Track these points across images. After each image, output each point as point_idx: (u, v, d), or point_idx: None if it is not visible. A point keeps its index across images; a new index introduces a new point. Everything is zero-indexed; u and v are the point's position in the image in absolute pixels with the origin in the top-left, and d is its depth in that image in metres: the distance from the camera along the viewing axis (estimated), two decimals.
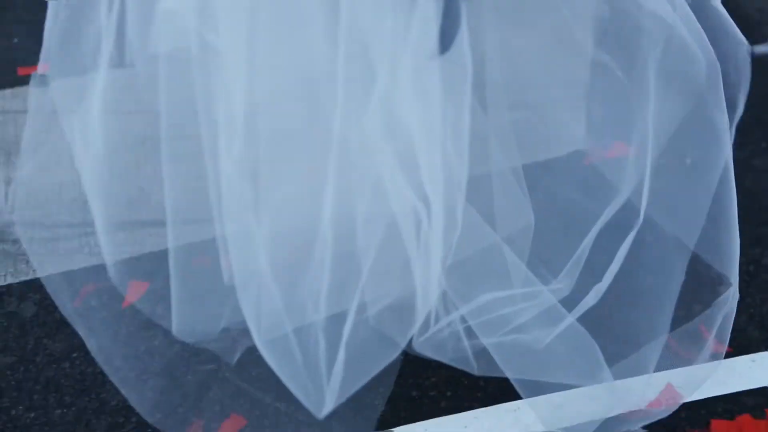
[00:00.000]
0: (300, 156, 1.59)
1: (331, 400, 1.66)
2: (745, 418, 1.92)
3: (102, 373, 2.07)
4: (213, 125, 1.55)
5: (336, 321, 1.67)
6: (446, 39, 1.48)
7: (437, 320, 1.75)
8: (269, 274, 1.62)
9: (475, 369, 1.82)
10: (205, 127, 1.56)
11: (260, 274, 1.62)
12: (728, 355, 2.00)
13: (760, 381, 1.95)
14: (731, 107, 1.69)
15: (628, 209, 1.71)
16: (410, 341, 1.79)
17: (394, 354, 1.74)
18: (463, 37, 1.48)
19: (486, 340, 1.76)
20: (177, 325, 1.79)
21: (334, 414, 1.71)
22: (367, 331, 1.71)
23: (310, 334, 1.69)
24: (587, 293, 1.73)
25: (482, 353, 1.80)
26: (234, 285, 1.67)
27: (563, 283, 1.75)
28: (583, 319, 1.74)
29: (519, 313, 1.75)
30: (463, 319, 1.76)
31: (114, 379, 1.93)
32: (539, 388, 1.81)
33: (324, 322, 1.66)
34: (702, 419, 1.93)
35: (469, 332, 1.77)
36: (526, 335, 1.75)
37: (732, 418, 1.92)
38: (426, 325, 1.75)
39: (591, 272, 1.74)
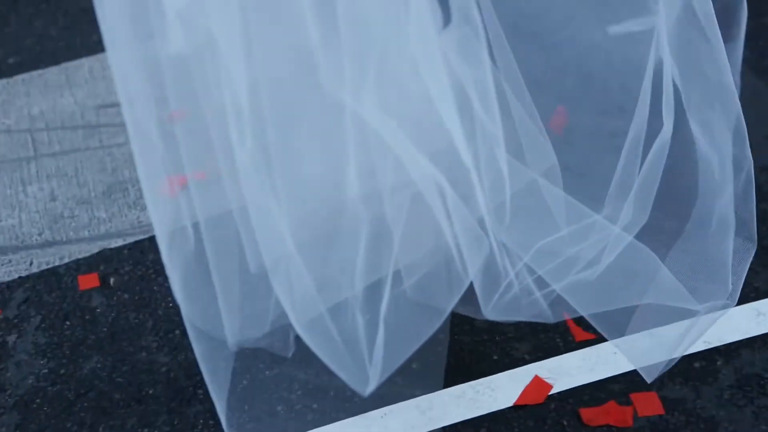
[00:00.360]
0: (311, 133, 1.59)
1: (374, 378, 1.64)
2: (611, 405, 1.91)
3: None
4: (220, 117, 1.55)
5: (373, 297, 1.66)
6: (445, 12, 1.53)
7: (506, 276, 1.71)
8: (296, 255, 1.60)
9: (551, 318, 1.77)
10: (213, 120, 1.57)
11: (288, 256, 1.61)
12: (593, 342, 2.01)
13: (625, 366, 1.95)
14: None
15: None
16: (477, 310, 1.75)
17: (438, 323, 1.71)
18: (471, 1, 1.52)
19: (558, 285, 1.73)
20: (231, 337, 1.73)
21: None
22: (406, 304, 1.69)
23: (347, 312, 1.67)
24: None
25: (554, 300, 1.76)
26: (261, 274, 1.65)
27: (612, 207, 1.72)
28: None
29: (586, 250, 1.72)
30: (531, 271, 1.73)
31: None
32: (616, 323, 1.77)
33: (361, 299, 1.65)
34: (570, 408, 1.92)
35: (539, 282, 1.74)
36: (593, 269, 1.72)
37: (599, 405, 1.92)
38: (490, 291, 1.72)
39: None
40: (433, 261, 1.72)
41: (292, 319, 1.65)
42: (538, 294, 1.74)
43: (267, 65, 1.53)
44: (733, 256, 1.72)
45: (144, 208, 2.42)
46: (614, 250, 1.70)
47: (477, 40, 1.56)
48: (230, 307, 1.71)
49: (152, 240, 2.34)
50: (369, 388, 1.66)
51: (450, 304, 1.72)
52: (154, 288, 2.24)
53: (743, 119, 1.70)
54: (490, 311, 1.74)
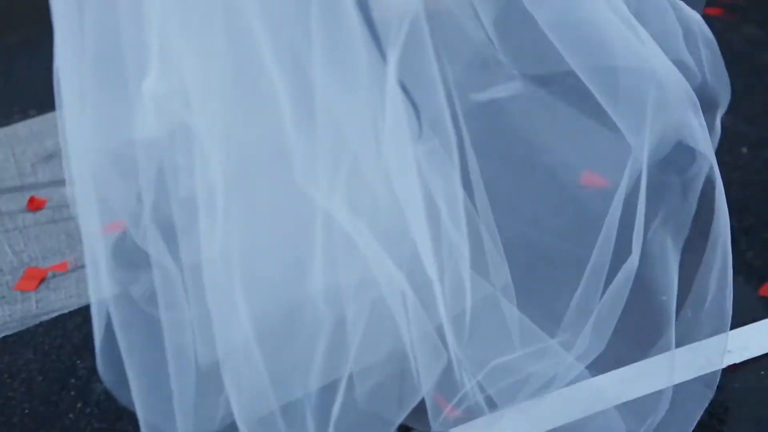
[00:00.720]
0: (280, 227, 1.60)
1: None
2: None
3: None
4: (188, 204, 1.55)
5: (325, 400, 1.65)
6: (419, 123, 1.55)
7: (461, 388, 1.71)
8: (255, 346, 1.59)
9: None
10: (177, 208, 1.56)
11: (244, 348, 1.60)
12: (462, 420, 1.94)
13: None
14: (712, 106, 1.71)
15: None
16: (426, 424, 1.74)
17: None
18: (446, 116, 1.55)
19: (506, 406, 1.75)
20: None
21: None
22: (357, 411, 1.68)
23: (296, 413, 1.65)
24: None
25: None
26: (211, 369, 1.63)
27: (569, 332, 1.72)
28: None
29: (539, 374, 1.73)
30: (482, 388, 1.73)
31: None
32: None
33: (313, 401, 1.65)
34: None
35: (488, 401, 1.74)
36: (542, 395, 1.75)
37: None
38: (438, 406, 1.72)
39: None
40: (388, 370, 1.72)
41: (239, 418, 1.63)
42: (487, 412, 1.75)
43: (243, 158, 1.54)
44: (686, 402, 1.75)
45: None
46: (565, 379, 1.73)
47: (449, 154, 1.58)
48: (184, 400, 1.67)
49: (5, 340, 2.23)
50: None
51: (399, 417, 1.72)
52: (9, 394, 2.11)
53: (730, 263, 1.70)
54: (440, 425, 1.74)
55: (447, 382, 1.71)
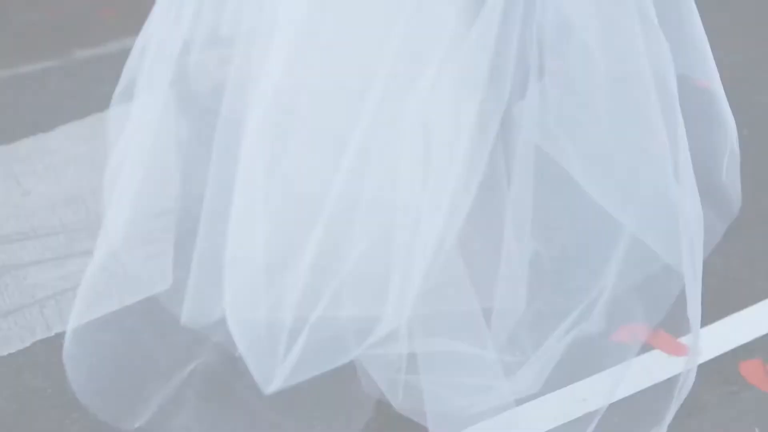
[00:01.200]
0: (324, 134, 1.61)
1: (279, 380, 1.62)
2: None
3: None
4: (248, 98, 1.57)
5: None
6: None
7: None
8: (262, 253, 1.61)
9: (399, 399, 1.78)
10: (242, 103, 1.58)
11: (252, 251, 1.61)
12: None
13: None
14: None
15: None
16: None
17: (344, 360, 1.70)
18: (508, 77, 1.54)
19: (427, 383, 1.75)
20: (186, 314, 1.71)
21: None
22: (333, 326, 1.67)
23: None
24: None
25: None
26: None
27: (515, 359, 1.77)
28: None
29: (469, 389, 1.75)
30: (413, 367, 1.74)
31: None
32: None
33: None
34: None
35: (410, 366, 1.75)
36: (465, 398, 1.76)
37: None
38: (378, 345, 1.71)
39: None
40: (373, 304, 1.68)
41: (228, 306, 1.63)
42: (403, 375, 1.76)
43: (321, 55, 1.58)
44: None
45: None
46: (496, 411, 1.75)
47: (495, 118, 1.56)
48: (197, 285, 1.69)
49: None
50: (272, 387, 1.64)
51: (354, 353, 1.70)
52: None
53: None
54: (363, 356, 1.73)
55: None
